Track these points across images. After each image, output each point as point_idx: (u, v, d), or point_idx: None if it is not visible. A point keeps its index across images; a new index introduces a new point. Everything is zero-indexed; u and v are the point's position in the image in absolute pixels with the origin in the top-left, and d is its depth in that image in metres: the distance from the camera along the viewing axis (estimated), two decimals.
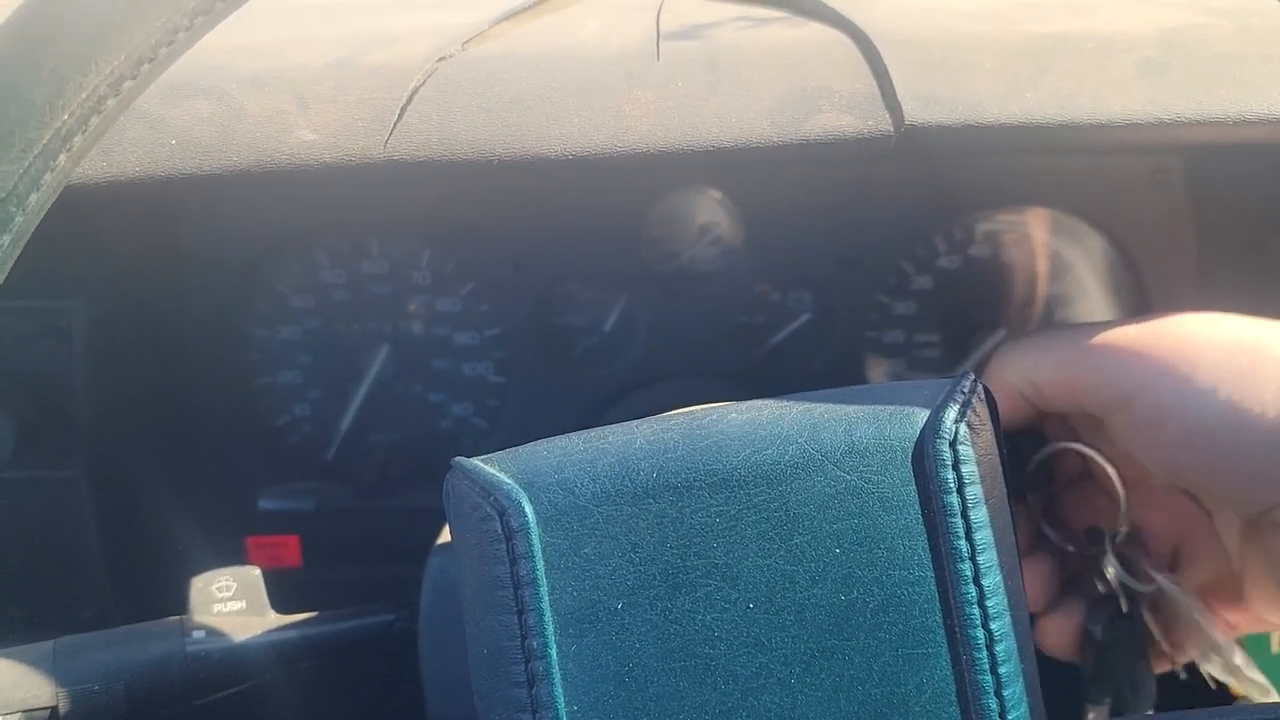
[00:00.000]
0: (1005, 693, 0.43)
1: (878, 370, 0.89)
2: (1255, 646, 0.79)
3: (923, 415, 0.44)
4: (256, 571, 0.60)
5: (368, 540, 0.78)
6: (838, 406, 0.45)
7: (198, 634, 0.57)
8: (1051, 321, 0.87)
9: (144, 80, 0.39)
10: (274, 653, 0.58)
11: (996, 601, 0.43)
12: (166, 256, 0.76)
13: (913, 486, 0.43)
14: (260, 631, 0.59)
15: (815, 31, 0.61)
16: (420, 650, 0.57)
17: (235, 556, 0.74)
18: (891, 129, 0.55)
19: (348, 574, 0.77)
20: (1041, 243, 0.85)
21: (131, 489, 0.77)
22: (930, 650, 0.43)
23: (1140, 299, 0.85)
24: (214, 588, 0.59)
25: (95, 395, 0.73)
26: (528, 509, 0.43)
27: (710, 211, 0.85)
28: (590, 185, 0.79)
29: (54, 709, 0.53)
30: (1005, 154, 0.69)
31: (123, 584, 0.74)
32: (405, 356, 0.87)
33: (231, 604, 0.59)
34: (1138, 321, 0.56)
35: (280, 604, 0.62)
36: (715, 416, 0.46)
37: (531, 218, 0.82)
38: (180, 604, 0.61)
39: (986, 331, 0.88)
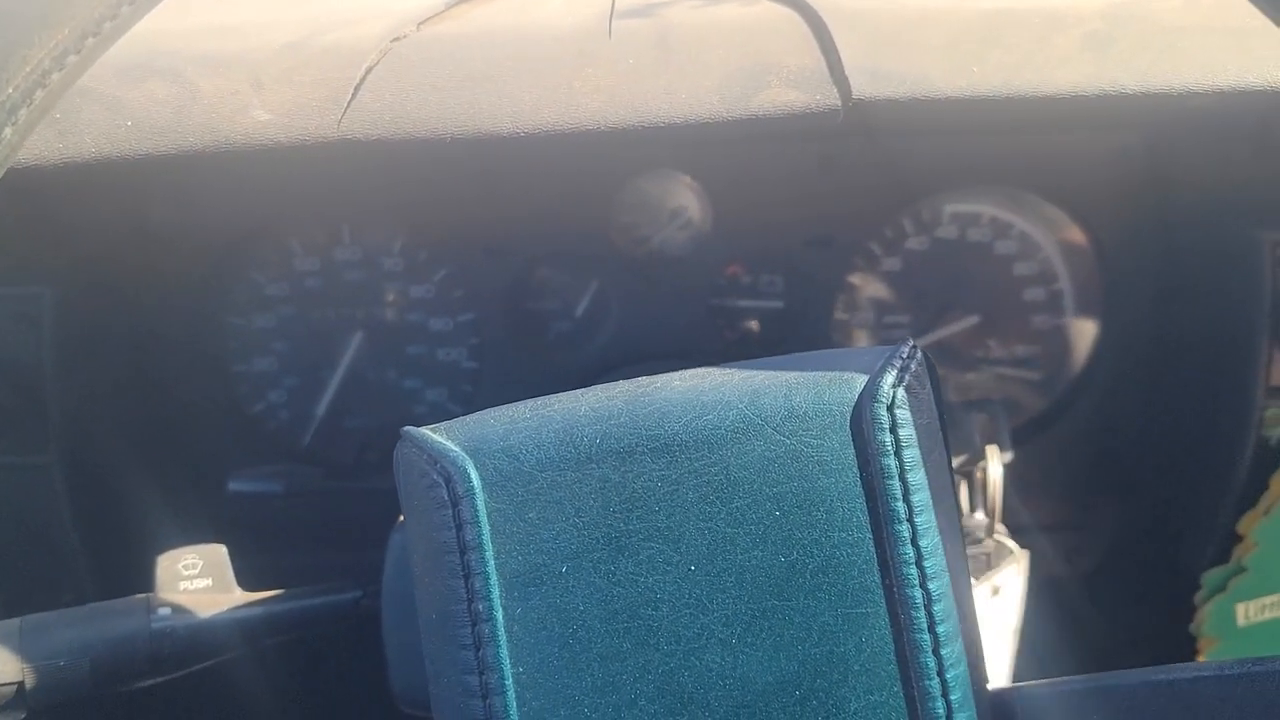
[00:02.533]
0: (943, 651, 0.43)
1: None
2: (1220, 618, 0.80)
3: (861, 380, 0.45)
4: (223, 549, 0.61)
5: (337, 523, 0.79)
6: (778, 373, 0.46)
7: (163, 611, 0.58)
8: (1021, 302, 0.88)
9: (88, 55, 0.39)
10: (239, 629, 0.59)
11: (934, 562, 0.44)
12: (137, 244, 0.77)
13: (851, 450, 0.44)
14: (226, 608, 0.59)
15: (766, 8, 0.62)
16: (383, 624, 0.58)
17: (210, 539, 0.74)
18: (839, 103, 0.56)
19: (317, 557, 0.78)
20: (1008, 223, 0.86)
21: (106, 474, 0.77)
22: (869, 610, 0.44)
23: (1104, 277, 0.85)
24: (180, 565, 0.59)
25: (67, 381, 0.73)
26: (473, 475, 0.44)
27: (680, 196, 0.86)
28: (561, 171, 0.80)
29: (20, 684, 0.54)
30: (955, 130, 0.69)
31: (99, 567, 0.75)
32: (379, 343, 0.88)
33: (198, 581, 0.59)
34: None
35: (248, 583, 0.63)
36: (659, 384, 0.47)
37: (503, 204, 0.83)
38: (152, 584, 0.61)
39: (957, 313, 0.89)
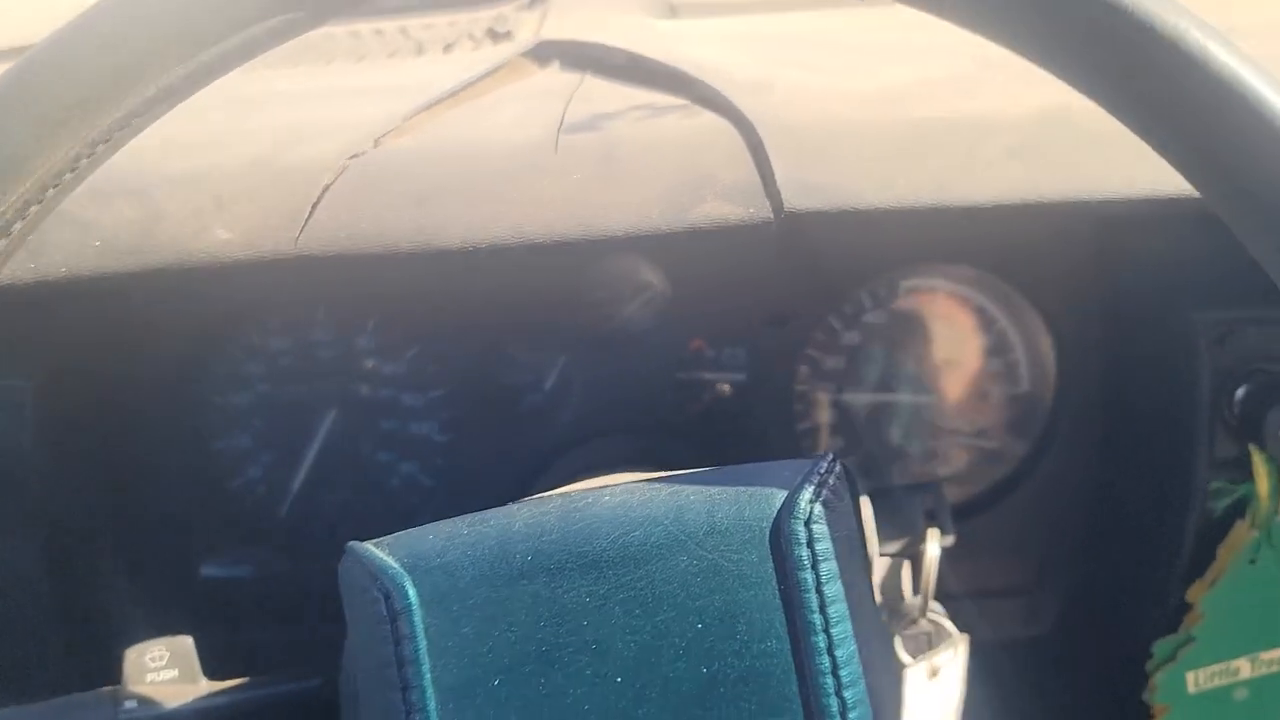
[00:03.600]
0: None
1: (809, 424, 0.92)
2: (1171, 686, 0.82)
3: (781, 496, 0.47)
4: (189, 641, 0.63)
5: (306, 599, 0.81)
6: (703, 488, 0.49)
7: (129, 704, 0.60)
8: (977, 373, 0.90)
9: (66, 187, 0.42)
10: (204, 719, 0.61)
11: (850, 670, 0.46)
12: (117, 333, 0.80)
13: (770, 564, 0.47)
14: (191, 699, 0.62)
15: (707, 121, 0.64)
16: (342, 713, 0.60)
17: (186, 620, 0.77)
18: (771, 216, 0.58)
19: (287, 635, 0.80)
20: (963, 296, 0.88)
21: (87, 557, 0.80)
22: (787, 719, 0.46)
23: (1057, 351, 0.88)
24: (147, 658, 0.62)
25: (49, 468, 0.76)
26: (411, 591, 0.46)
27: (644, 274, 0.88)
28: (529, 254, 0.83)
29: None
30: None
31: (78, 652, 0.77)
32: (354, 418, 0.90)
33: (164, 673, 0.62)
34: None
35: (216, 668, 0.65)
36: (590, 499, 0.49)
37: (473, 284, 0.85)
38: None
39: (916, 384, 0.91)
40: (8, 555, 0.73)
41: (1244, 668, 0.82)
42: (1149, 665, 0.82)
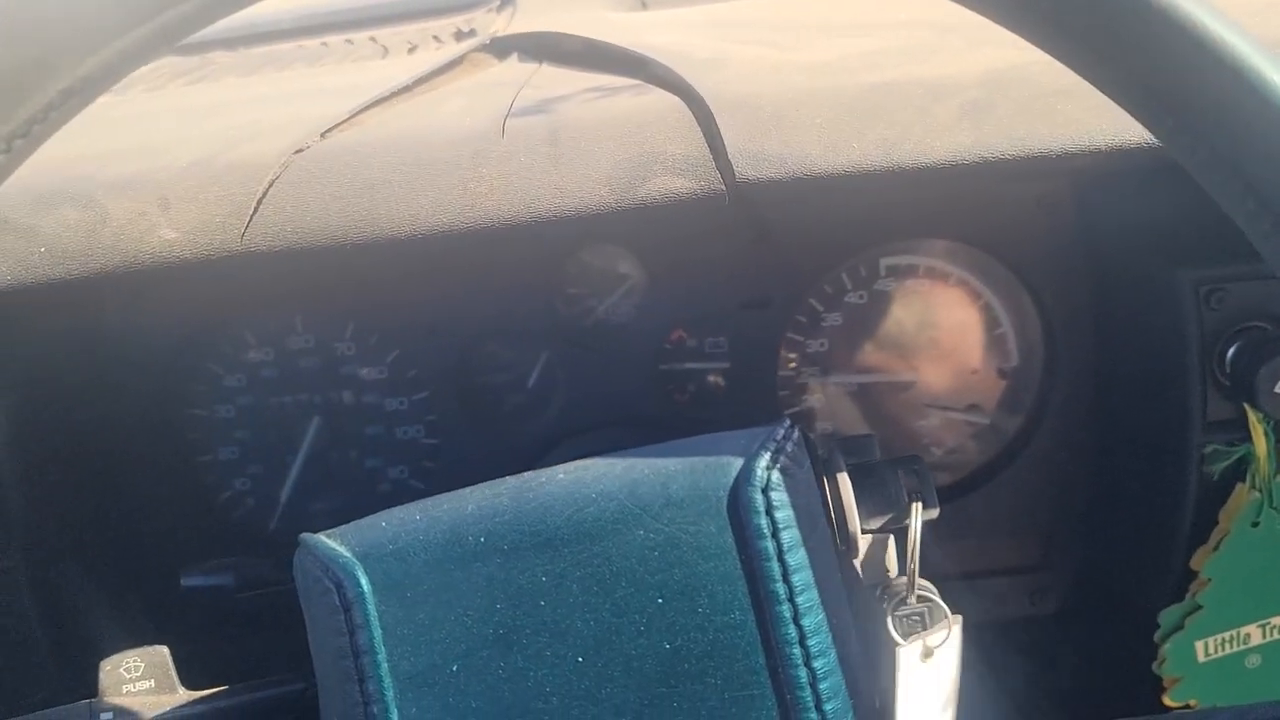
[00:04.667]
0: None
1: (796, 408, 0.90)
2: (1180, 656, 0.80)
3: (737, 464, 0.46)
4: (165, 650, 0.62)
5: (292, 608, 0.80)
6: (658, 461, 0.48)
7: (105, 716, 0.59)
8: (964, 348, 0.89)
9: None
10: None
11: (819, 640, 0.45)
12: (92, 347, 0.79)
13: (730, 534, 0.45)
14: (169, 709, 0.61)
15: (657, 98, 0.63)
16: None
17: (175, 630, 0.76)
18: (724, 187, 0.57)
19: (273, 642, 0.79)
20: (944, 272, 0.87)
21: (71, 574, 0.79)
22: (755, 692, 0.45)
23: (1043, 321, 0.86)
24: (122, 669, 0.61)
25: (28, 487, 0.75)
26: (363, 580, 0.45)
27: (623, 264, 0.87)
28: (503, 247, 0.82)
29: None
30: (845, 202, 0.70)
31: (68, 668, 0.77)
32: (338, 425, 0.90)
33: (140, 683, 0.61)
34: None
35: (201, 677, 0.64)
36: (544, 478, 0.48)
37: (447, 283, 0.85)
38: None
39: (903, 364, 0.90)
40: None
41: (1254, 634, 0.80)
42: (1157, 635, 0.80)
